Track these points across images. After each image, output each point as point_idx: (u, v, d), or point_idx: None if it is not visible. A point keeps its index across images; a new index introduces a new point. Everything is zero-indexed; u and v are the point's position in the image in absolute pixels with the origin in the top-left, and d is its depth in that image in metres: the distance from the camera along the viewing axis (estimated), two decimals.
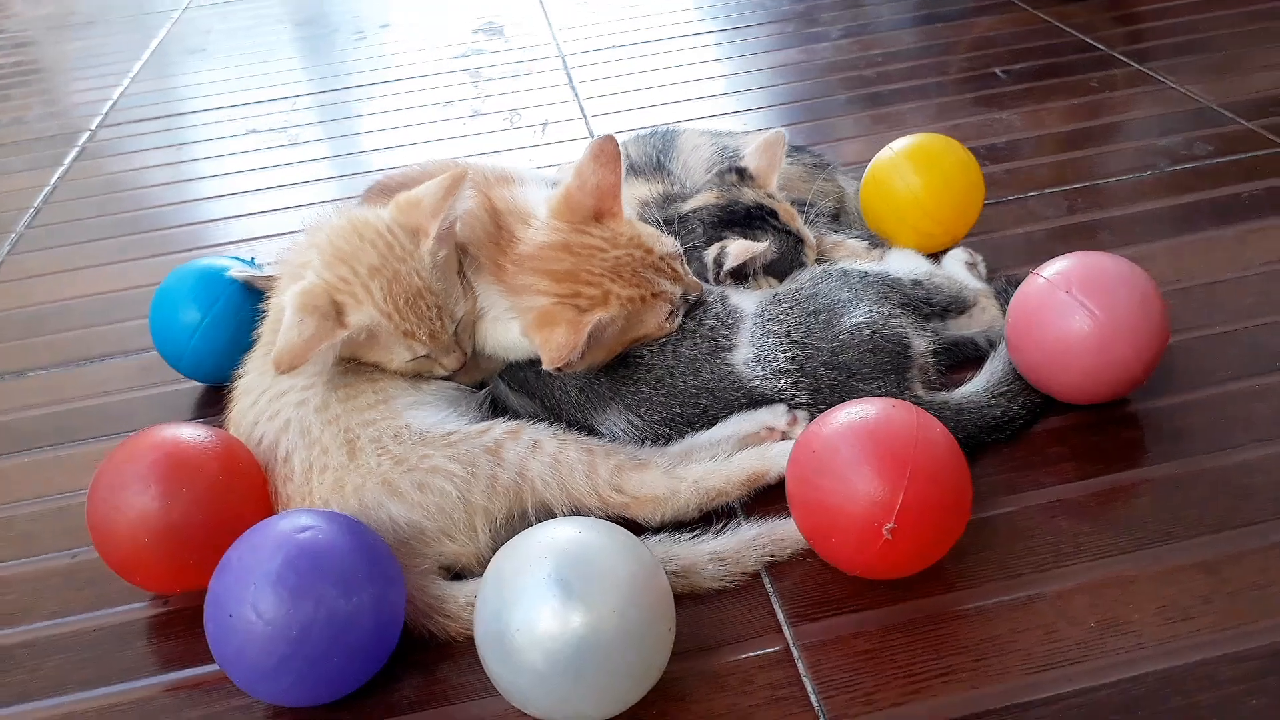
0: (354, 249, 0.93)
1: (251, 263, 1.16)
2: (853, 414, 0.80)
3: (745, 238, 1.05)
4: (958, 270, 1.14)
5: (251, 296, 1.12)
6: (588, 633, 0.68)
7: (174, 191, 1.73)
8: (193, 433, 0.88)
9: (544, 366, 0.91)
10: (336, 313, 0.91)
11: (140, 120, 2.04)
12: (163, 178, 1.79)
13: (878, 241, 1.20)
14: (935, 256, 1.16)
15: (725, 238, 1.06)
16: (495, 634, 0.69)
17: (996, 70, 1.78)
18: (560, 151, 1.68)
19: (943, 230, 1.20)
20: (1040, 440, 0.96)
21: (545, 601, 0.68)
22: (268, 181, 1.71)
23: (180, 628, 0.88)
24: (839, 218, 1.28)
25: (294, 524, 0.75)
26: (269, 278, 1.10)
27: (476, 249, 0.98)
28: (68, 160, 1.87)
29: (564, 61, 2.06)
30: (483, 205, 1.00)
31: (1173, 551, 0.83)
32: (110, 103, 2.13)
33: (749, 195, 1.10)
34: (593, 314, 0.91)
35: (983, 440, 0.95)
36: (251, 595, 0.71)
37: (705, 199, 1.11)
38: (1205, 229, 1.26)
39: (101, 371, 1.25)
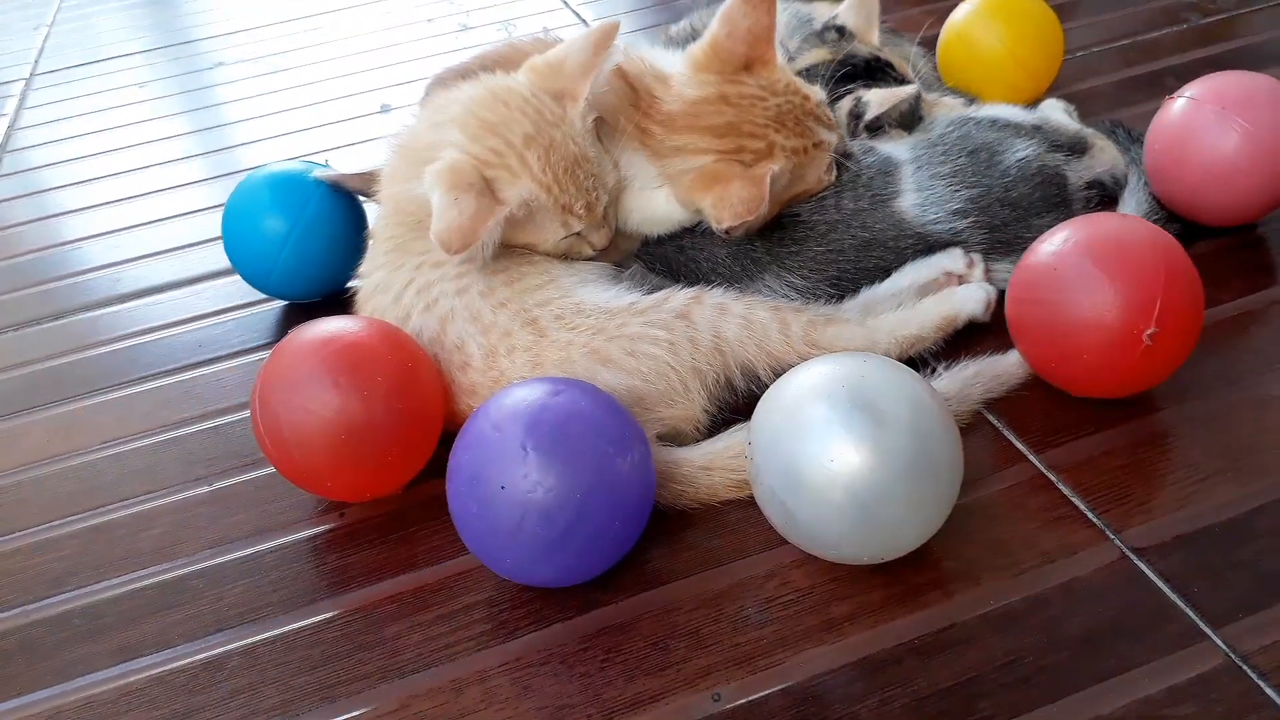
0: (503, 118, 0.85)
1: (325, 166, 1.06)
2: (1081, 230, 0.78)
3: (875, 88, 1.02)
4: (1062, 118, 1.12)
5: (341, 200, 1.02)
6: (903, 456, 0.64)
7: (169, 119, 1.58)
8: (352, 325, 0.80)
9: (721, 226, 0.85)
10: (490, 189, 0.84)
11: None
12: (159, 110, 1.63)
13: (970, 99, 1.18)
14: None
15: (852, 89, 1.02)
16: (790, 475, 0.65)
17: None
18: None
19: (1033, 82, 1.18)
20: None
21: (849, 430, 0.64)
22: (254, 111, 1.58)
23: (373, 536, 0.80)
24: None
25: (539, 392, 0.69)
26: (365, 175, 1.00)
27: (612, 115, 0.91)
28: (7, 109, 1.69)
29: None
30: (613, 72, 0.93)
31: None
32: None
33: (863, 49, 1.06)
34: (764, 166, 0.86)
35: None
36: (529, 462, 0.64)
37: (817, 55, 1.06)
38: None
39: (161, 303, 1.13)
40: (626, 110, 0.91)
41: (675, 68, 0.92)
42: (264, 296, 1.08)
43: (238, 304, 1.09)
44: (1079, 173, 0.98)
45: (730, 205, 0.85)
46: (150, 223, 1.30)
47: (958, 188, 0.92)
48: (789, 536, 0.69)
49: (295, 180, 1.02)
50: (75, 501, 0.88)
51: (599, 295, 0.86)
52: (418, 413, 0.77)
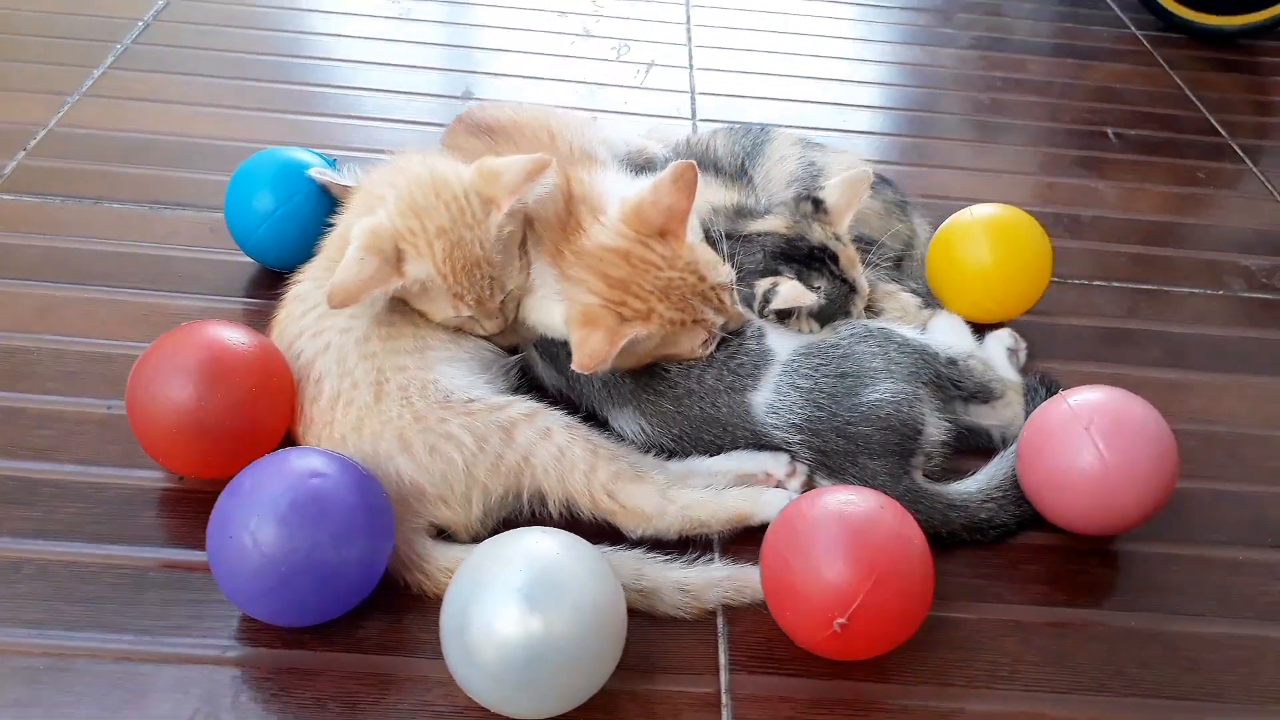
0: (428, 205, 0.96)
1: (332, 165, 1.20)
2: (843, 501, 0.84)
3: (802, 277, 1.07)
4: (997, 354, 1.15)
5: (326, 200, 1.16)
6: (541, 645, 0.74)
7: (282, 41, 1.75)
8: (237, 337, 0.94)
9: (573, 367, 0.94)
10: (397, 259, 0.95)
11: None
12: (273, 23, 1.80)
13: (930, 300, 1.21)
14: (980, 330, 1.17)
15: (782, 271, 1.08)
16: (457, 624, 0.76)
17: (1109, 131, 1.73)
18: (653, 99, 1.68)
19: (999, 308, 1.20)
20: (1018, 553, 1.00)
21: (507, 606, 0.74)
22: (374, 55, 1.73)
23: (189, 508, 0.94)
24: (903, 262, 1.29)
25: (308, 466, 0.81)
26: (346, 188, 1.13)
27: (543, 228, 1.01)
28: None
29: (688, 3, 2.02)
30: (560, 186, 1.02)
31: (1103, 705, 0.87)
32: None
33: (817, 234, 1.11)
34: (632, 326, 0.95)
35: (963, 539, 0.99)
36: (254, 524, 0.78)
37: (774, 225, 1.12)
38: (1255, 373, 1.25)
39: (172, 221, 1.30)
40: (554, 229, 1.01)
41: (611, 208, 1.01)
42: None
43: (221, 245, 1.25)
44: (942, 428, 1.02)
45: (583, 351, 0.94)
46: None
47: (804, 405, 0.98)
48: (449, 669, 0.80)
49: (294, 169, 1.16)
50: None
51: (455, 380, 0.97)
52: (246, 425, 0.90)
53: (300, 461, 0.82)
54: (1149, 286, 1.38)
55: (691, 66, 1.79)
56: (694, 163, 0.96)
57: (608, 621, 0.77)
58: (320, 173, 1.17)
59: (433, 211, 0.96)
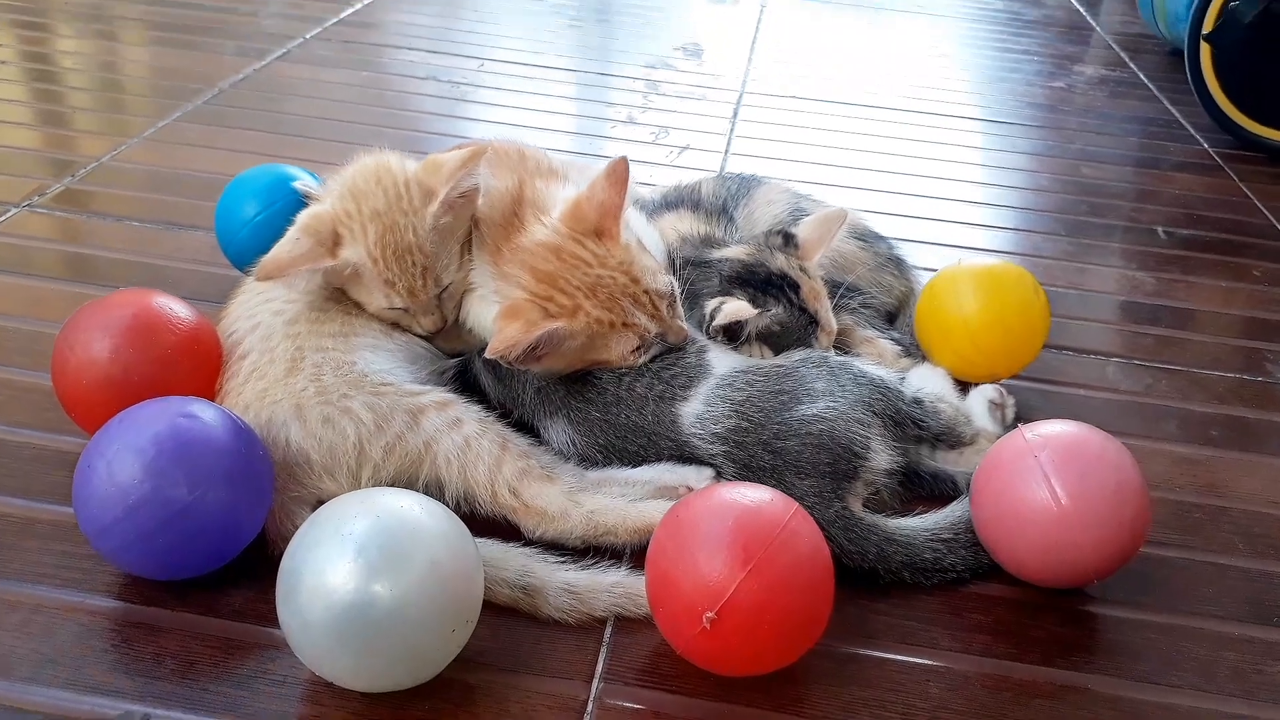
0: (367, 189, 0.97)
1: (322, 182, 1.23)
2: (731, 493, 0.77)
3: (756, 302, 1.03)
4: (978, 406, 1.06)
5: (304, 208, 1.19)
6: (365, 602, 0.68)
7: (342, 109, 1.85)
8: (173, 307, 0.94)
9: (485, 353, 0.92)
10: (333, 242, 0.96)
11: (347, 42, 2.19)
12: (339, 96, 1.91)
13: (914, 352, 1.14)
14: (966, 386, 1.09)
15: (735, 294, 1.04)
16: (288, 570, 0.71)
17: (1160, 229, 1.64)
18: (683, 176, 1.68)
19: (985, 361, 1.12)
20: (967, 601, 0.89)
21: (341, 557, 0.69)
22: (427, 127, 1.81)
23: None
24: (895, 318, 1.23)
25: (181, 408, 0.80)
26: (316, 196, 1.16)
27: (487, 228, 1.00)
28: (270, 58, 2.03)
29: (739, 97, 2.06)
30: (512, 190, 1.02)
31: None
32: (336, 18, 2.30)
33: (779, 262, 1.07)
34: (554, 322, 0.91)
35: (903, 579, 0.89)
36: (112, 454, 0.76)
37: (736, 252, 1.09)
38: (1265, 451, 1.12)
39: (181, 239, 1.36)
40: (497, 228, 1.00)
41: (555, 209, 1.00)
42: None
43: (219, 262, 1.28)
44: (892, 456, 0.93)
45: (500, 338, 0.91)
46: None
47: (731, 416, 0.92)
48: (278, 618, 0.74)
49: (279, 180, 1.20)
50: None
51: (375, 364, 0.95)
52: (156, 391, 0.89)
53: (176, 405, 0.81)
54: (1174, 367, 1.27)
55: (727, 151, 1.81)
56: (626, 157, 0.94)
57: (451, 584, 0.71)
58: (304, 184, 1.20)
59: (370, 196, 0.97)
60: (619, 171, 0.94)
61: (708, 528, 0.74)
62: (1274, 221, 1.70)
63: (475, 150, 0.96)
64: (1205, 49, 1.92)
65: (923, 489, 0.99)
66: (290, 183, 1.20)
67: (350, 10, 2.37)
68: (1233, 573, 0.95)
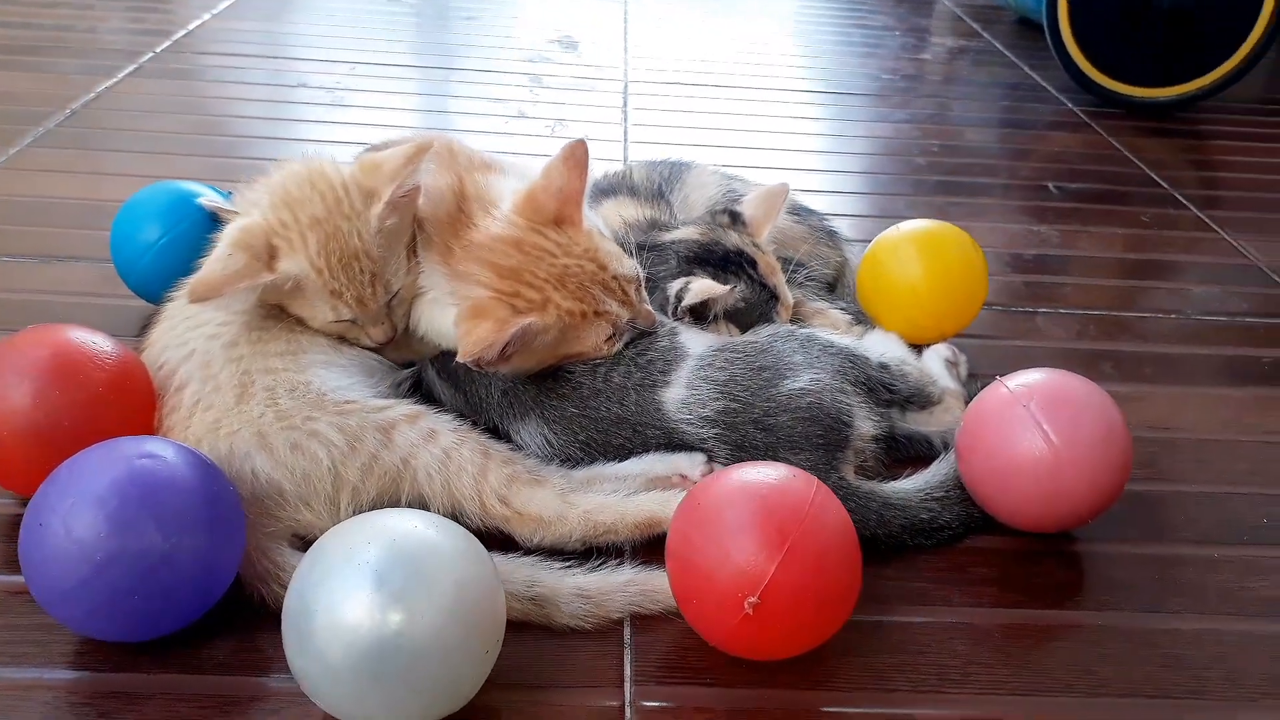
0: (302, 196, 0.90)
1: (228, 196, 1.14)
2: (749, 474, 0.74)
3: (717, 280, 1.00)
4: (935, 365, 1.07)
5: (215, 227, 1.09)
6: (394, 634, 0.62)
7: (208, 124, 1.73)
8: (92, 340, 0.85)
9: (458, 359, 0.86)
10: (269, 255, 0.88)
11: (203, 53, 2.06)
12: (203, 110, 1.79)
13: (862, 319, 1.14)
14: (918, 348, 1.10)
15: (694, 274, 1.01)
16: (297, 611, 0.64)
17: (1050, 184, 1.71)
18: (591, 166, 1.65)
19: (933, 323, 1.13)
20: (968, 556, 0.89)
21: (357, 589, 0.63)
22: (301, 134, 1.71)
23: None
24: (834, 288, 1.23)
25: (138, 449, 0.72)
26: (231, 211, 1.07)
27: (432, 227, 0.94)
28: (121, 74, 1.89)
29: (625, 87, 2.04)
30: (452, 186, 0.96)
31: (1067, 706, 0.75)
32: (185, 31, 2.16)
33: (733, 239, 1.05)
34: (525, 318, 0.87)
35: (904, 542, 0.89)
36: (67, 509, 0.67)
37: (688, 233, 1.06)
38: (1214, 384, 1.18)
39: (64, 271, 1.24)
40: (443, 227, 0.94)
41: (504, 201, 0.95)
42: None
43: (110, 292, 1.17)
44: (874, 422, 0.93)
45: (468, 341, 0.86)
46: None
47: (719, 396, 0.89)
48: (290, 669, 0.68)
49: (180, 199, 1.10)
50: None
51: (330, 382, 0.88)
52: (89, 435, 0.79)
53: (129, 446, 0.72)
54: (1097, 312, 1.32)
55: (626, 140, 1.78)
56: (585, 139, 0.91)
57: (480, 603, 0.66)
58: (211, 201, 1.11)
59: (307, 203, 0.89)
60: (578, 155, 0.90)
61: (734, 513, 0.71)
62: (1146, 170, 1.80)
63: (419, 146, 0.91)
64: (1063, 9, 2.01)
65: (899, 452, 0.99)
66: (193, 200, 1.11)
67: (198, 22, 2.23)
68: (1196, 499, 0.98)
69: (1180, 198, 1.69)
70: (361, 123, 1.78)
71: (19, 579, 0.78)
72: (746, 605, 0.69)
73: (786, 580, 0.69)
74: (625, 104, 1.95)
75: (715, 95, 2.03)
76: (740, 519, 0.71)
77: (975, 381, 1.08)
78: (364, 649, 0.62)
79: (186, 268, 1.00)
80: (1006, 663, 0.78)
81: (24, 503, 0.86)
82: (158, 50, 2.03)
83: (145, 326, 0.99)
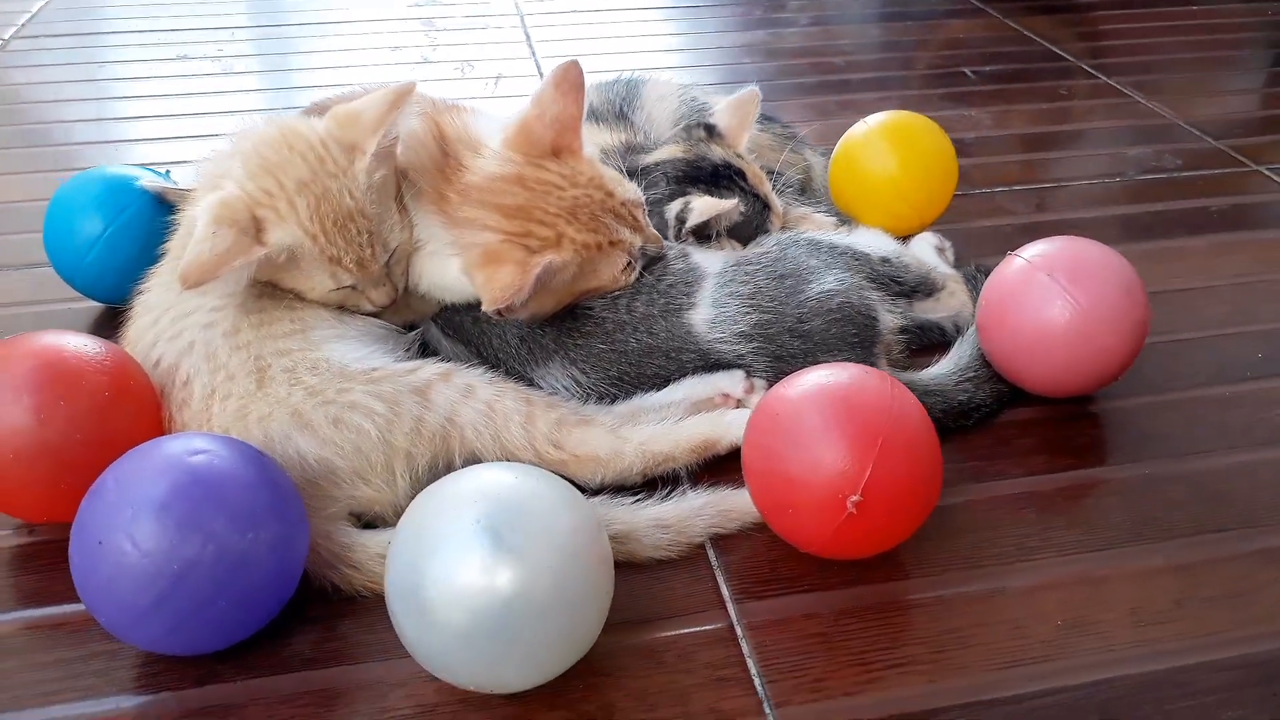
0: (282, 160, 0.83)
1: (166, 176, 1.05)
2: (823, 377, 0.73)
3: (711, 196, 0.98)
4: (926, 253, 1.08)
5: (162, 210, 1.00)
6: (518, 591, 0.59)
7: (90, 108, 1.59)
8: (80, 343, 0.78)
9: (484, 309, 0.82)
10: (256, 228, 0.81)
11: (60, 35, 1.89)
12: (78, 94, 1.64)
13: (844, 219, 1.14)
14: (903, 239, 1.10)
15: (689, 194, 0.99)
16: (409, 586, 0.61)
17: (966, 70, 1.74)
18: (509, 107, 1.59)
19: (914, 212, 1.14)
20: (1007, 431, 0.91)
21: (471, 552, 0.60)
22: (196, 107, 1.59)
23: (46, 561, 0.77)
24: (804, 193, 1.22)
25: (186, 446, 0.66)
26: (184, 191, 0.99)
27: (419, 175, 0.89)
28: None
29: (522, 20, 1.97)
30: (429, 130, 0.91)
31: (1144, 553, 0.78)
32: (29, 15, 1.97)
33: (717, 152, 1.03)
34: (543, 255, 0.83)
35: (947, 426, 0.90)
36: (128, 522, 0.61)
37: (671, 152, 1.03)
38: (1175, 237, 1.23)
39: None
40: (431, 174, 0.89)
41: (492, 139, 0.90)
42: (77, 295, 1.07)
43: (49, 298, 1.08)
44: (895, 314, 0.93)
45: (493, 288, 0.82)
46: None
47: (749, 310, 0.88)
48: (406, 647, 0.64)
49: (120, 184, 1.01)
50: None
51: (348, 354, 0.83)
52: (101, 443, 0.73)
53: (174, 444, 0.66)
54: (1049, 184, 1.35)
55: (540, 73, 1.72)
56: (577, 60, 0.86)
57: (590, 547, 0.63)
58: (153, 182, 1.02)
59: (288, 166, 0.82)
60: (571, 78, 0.86)
61: (817, 418, 0.70)
62: (1048, 46, 1.84)
63: (400, 90, 0.84)
64: None
65: (915, 342, 1.00)
66: (132, 185, 1.02)
67: (40, 5, 2.04)
68: (1190, 346, 1.03)
69: (1088, 69, 1.74)
70: (259, 88, 1.68)
71: (48, 611, 0.73)
72: (850, 505, 0.68)
73: (884, 475, 0.68)
74: (528, 37, 1.88)
75: (616, 19, 1.98)
76: (827, 423, 0.70)
77: (966, 263, 1.10)
78: (493, 612, 0.59)
79: (144, 258, 0.93)
80: (1076, 524, 0.81)
81: (29, 530, 0.79)
82: (6, 37, 1.85)
83: (117, 326, 0.90)
